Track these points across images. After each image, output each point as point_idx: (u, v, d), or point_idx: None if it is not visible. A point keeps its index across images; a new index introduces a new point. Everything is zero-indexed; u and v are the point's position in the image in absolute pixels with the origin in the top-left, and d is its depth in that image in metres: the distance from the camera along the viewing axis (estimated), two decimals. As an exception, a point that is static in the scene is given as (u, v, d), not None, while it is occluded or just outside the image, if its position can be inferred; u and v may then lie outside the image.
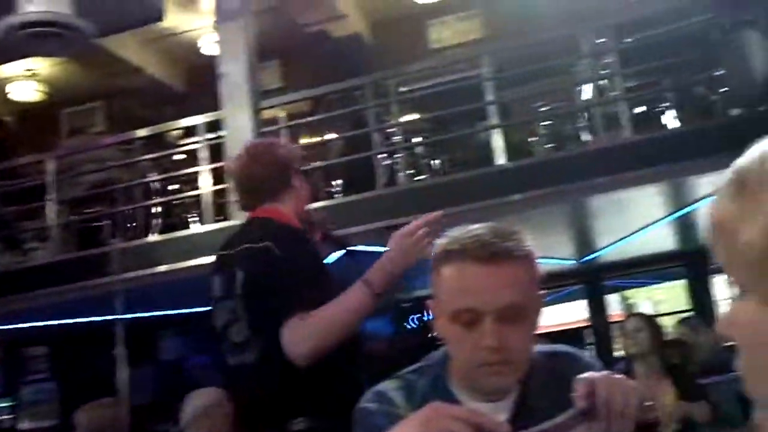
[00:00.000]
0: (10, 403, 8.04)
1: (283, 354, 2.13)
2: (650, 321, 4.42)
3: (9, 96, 8.92)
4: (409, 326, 8.13)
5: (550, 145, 5.81)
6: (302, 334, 2.13)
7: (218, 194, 6.14)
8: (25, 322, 6.55)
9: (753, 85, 4.50)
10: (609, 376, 1.21)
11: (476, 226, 1.37)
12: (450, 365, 1.42)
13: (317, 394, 2.19)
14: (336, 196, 6.02)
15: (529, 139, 5.90)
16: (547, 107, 5.96)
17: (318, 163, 6.26)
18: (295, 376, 2.15)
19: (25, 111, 9.49)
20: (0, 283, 6.24)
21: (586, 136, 5.64)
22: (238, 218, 5.74)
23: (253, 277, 2.25)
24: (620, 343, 5.15)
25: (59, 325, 7.00)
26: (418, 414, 1.17)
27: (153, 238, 6.17)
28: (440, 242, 1.39)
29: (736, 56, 4.73)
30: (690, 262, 7.78)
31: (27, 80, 8.81)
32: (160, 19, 6.72)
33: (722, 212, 0.66)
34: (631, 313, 5.20)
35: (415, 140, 6.18)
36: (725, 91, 5.29)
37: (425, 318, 7.90)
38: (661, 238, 7.09)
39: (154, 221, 6.42)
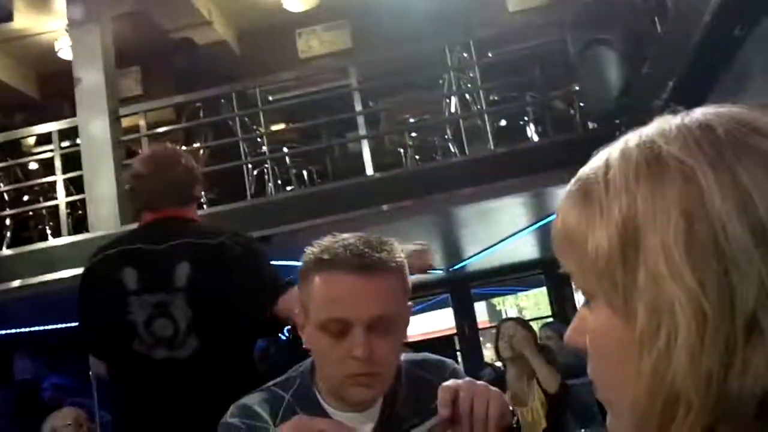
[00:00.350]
0: None
1: (231, 350, 2.25)
2: (524, 325, 4.56)
3: None
4: (280, 338, 8.02)
5: (417, 157, 5.90)
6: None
7: (74, 205, 5.87)
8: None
9: (608, 99, 4.73)
10: (472, 382, 1.22)
11: (348, 235, 1.36)
12: (317, 376, 1.40)
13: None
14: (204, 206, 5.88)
15: (399, 150, 5.97)
16: (415, 119, 6.05)
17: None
18: (241, 374, 2.17)
19: None
20: None
21: (453, 148, 5.76)
22: (99, 230, 5.54)
23: (202, 275, 2.27)
24: (491, 349, 5.30)
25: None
26: (284, 427, 1.15)
27: (4, 251, 5.82)
28: (311, 250, 1.36)
29: (591, 73, 4.96)
30: (549, 269, 8.09)
31: None
32: (10, 19, 6.36)
33: (569, 221, 0.66)
34: (506, 318, 5.37)
35: (283, 150, 6.12)
36: (582, 105, 5.55)
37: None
38: (524, 247, 7.34)
39: (6, 234, 6.05)
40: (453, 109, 6.02)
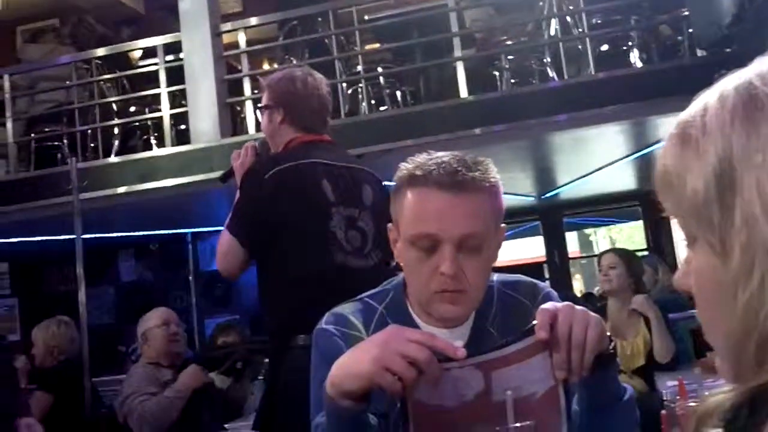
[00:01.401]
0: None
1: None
2: (626, 258, 4.26)
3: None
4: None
5: (513, 81, 5.79)
6: None
7: (177, 117, 6.05)
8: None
9: (718, 26, 4.51)
10: (571, 306, 1.21)
11: (443, 153, 1.37)
12: (408, 290, 1.43)
13: None
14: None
15: (494, 72, 5.87)
16: (512, 41, 5.91)
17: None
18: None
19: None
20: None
21: (551, 72, 5.62)
22: (199, 142, 5.71)
23: (379, 198, 2.51)
24: (580, 280, 5.17)
25: (20, 242, 6.93)
26: (376, 336, 1.18)
27: (112, 159, 6.08)
28: (405, 166, 1.38)
29: (702, -3, 4.72)
30: (647, 201, 7.91)
31: (-20, -6, 8.49)
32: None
33: (668, 164, 0.67)
34: (608, 249, 5.06)
35: (378, 70, 6.11)
36: (691, 32, 5.30)
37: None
38: (621, 178, 7.18)
39: (114, 142, 6.31)
40: (552, 32, 5.85)
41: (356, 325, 1.41)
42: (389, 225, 1.43)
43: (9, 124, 6.34)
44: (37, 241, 6.89)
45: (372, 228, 2.53)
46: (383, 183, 2.61)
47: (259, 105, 2.77)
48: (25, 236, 6.85)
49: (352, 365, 1.15)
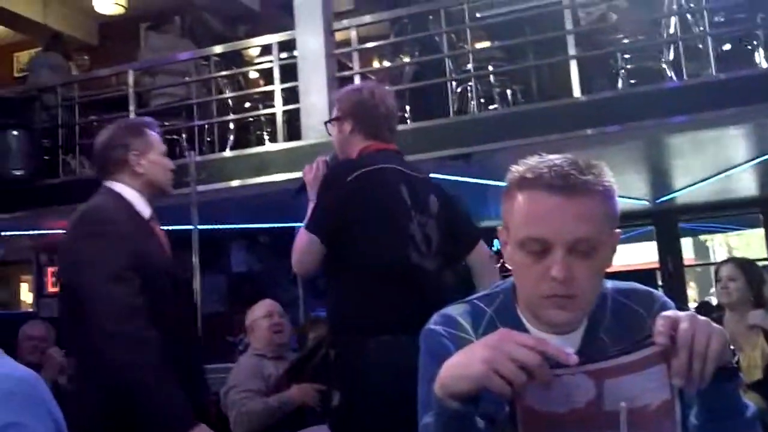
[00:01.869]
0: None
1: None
2: (747, 269, 4.06)
3: (94, 8, 9.07)
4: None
5: (632, 81, 5.62)
6: None
7: (289, 114, 6.18)
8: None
9: None
10: (693, 315, 1.17)
11: (555, 156, 1.35)
12: (517, 294, 1.42)
13: None
14: (407, 121, 5.99)
15: (610, 71, 5.72)
16: (629, 40, 5.74)
17: (389, 88, 6.22)
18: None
19: (107, 24, 9.68)
20: (83, 190, 6.48)
21: (669, 72, 5.43)
22: (310, 138, 5.83)
23: (444, 211, 2.72)
24: (695, 288, 4.97)
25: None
26: (487, 339, 1.17)
27: (227, 153, 6.28)
28: (516, 168, 1.36)
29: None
30: (769, 208, 7.57)
31: (107, -7, 8.93)
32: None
33: None
34: (727, 258, 4.79)
35: (488, 68, 6.06)
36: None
37: (492, 248, 7.88)
38: (742, 183, 6.89)
39: (229, 137, 6.52)
40: (672, 30, 5.65)
41: (465, 327, 1.40)
42: (498, 227, 1.42)
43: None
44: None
45: (436, 235, 2.68)
46: (447, 192, 2.80)
47: (332, 116, 2.86)
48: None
49: (462, 367, 1.15)
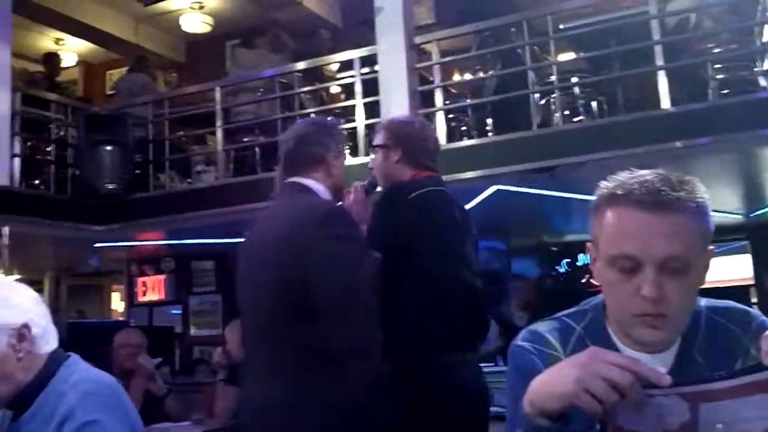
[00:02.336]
0: (180, 312, 8.66)
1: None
2: None
3: (182, 27, 9.39)
4: (557, 270, 8.03)
5: (723, 91, 5.44)
6: None
7: (371, 128, 6.23)
8: (195, 239, 7.00)
9: None
10: None
11: (646, 171, 1.32)
12: (607, 312, 1.39)
13: None
14: (488, 134, 5.97)
15: (700, 82, 5.55)
16: (721, 49, 5.57)
17: (470, 101, 6.21)
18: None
19: (194, 42, 10.00)
20: (172, 203, 6.71)
21: (765, 82, 5.23)
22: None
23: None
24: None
25: (224, 243, 7.44)
26: (577, 357, 1.15)
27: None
28: (605, 184, 1.34)
29: None
30: None
31: (195, 12, 9.21)
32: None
33: None
34: None
35: (572, 80, 5.98)
36: None
37: (577, 263, 7.76)
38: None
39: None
40: (765, 39, 5.46)
41: (553, 344, 1.39)
42: (588, 244, 1.40)
43: (219, 134, 6.82)
44: (239, 242, 7.31)
45: (474, 255, 2.86)
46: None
47: (374, 144, 2.96)
48: (230, 237, 7.32)
49: (552, 385, 1.14)
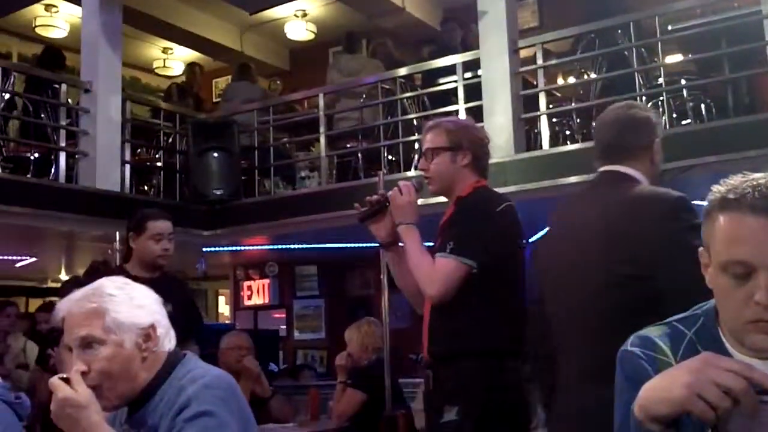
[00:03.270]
0: (284, 315, 8.87)
1: None
2: None
3: (287, 35, 9.62)
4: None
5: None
6: None
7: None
8: (298, 244, 7.14)
9: None
10: None
11: (760, 174, 1.30)
12: (720, 318, 1.37)
13: None
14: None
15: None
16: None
17: (575, 105, 6.14)
18: None
19: (298, 50, 10.23)
20: (277, 209, 6.89)
21: None
22: (495, 157, 5.78)
23: None
24: None
25: (326, 248, 7.57)
26: (689, 363, 1.15)
27: (410, 173, 6.41)
28: (717, 189, 1.33)
29: None
30: None
31: (299, 20, 9.43)
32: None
33: None
34: None
35: (681, 82, 5.82)
36: None
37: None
38: None
39: (414, 156, 6.67)
40: None
41: (663, 350, 1.37)
42: (700, 249, 1.39)
43: (322, 140, 6.96)
44: (341, 247, 7.46)
45: None
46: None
47: (440, 145, 2.84)
48: (333, 242, 7.46)
49: (663, 390, 1.14)
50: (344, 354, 4.93)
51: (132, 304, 1.84)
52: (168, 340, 1.89)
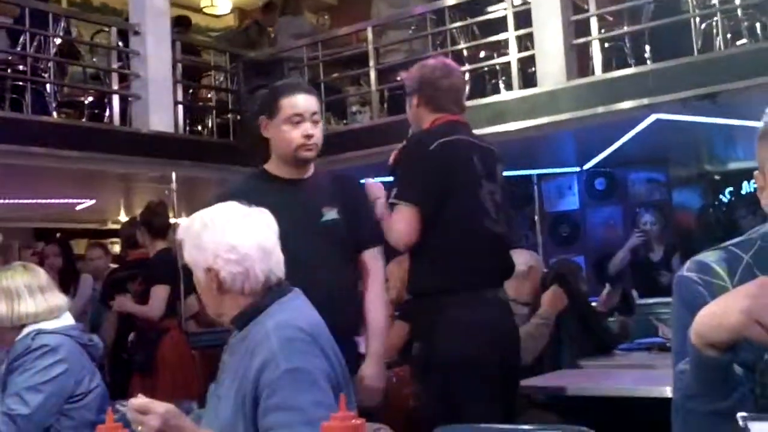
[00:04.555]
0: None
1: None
2: None
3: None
4: (720, 200, 7.69)
5: None
6: None
7: (524, 61, 6.14)
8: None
9: None
10: None
11: None
12: None
13: None
14: (647, 62, 5.74)
15: None
16: None
17: (627, 29, 5.98)
18: None
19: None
20: (329, 144, 6.88)
21: None
22: (546, 85, 5.78)
23: (503, 175, 2.99)
24: None
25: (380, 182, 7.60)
26: (745, 287, 1.16)
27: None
28: None
29: None
30: None
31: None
32: None
33: None
34: None
35: (736, 1, 5.61)
36: None
37: (741, 192, 7.41)
38: None
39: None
40: None
41: (720, 274, 1.37)
42: (755, 172, 1.38)
43: (372, 74, 6.92)
44: (392, 181, 7.46)
45: (502, 202, 2.90)
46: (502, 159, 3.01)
47: (406, 93, 3.04)
48: (385, 176, 7.47)
49: (720, 317, 1.15)
50: (388, 288, 5.04)
51: (234, 228, 1.90)
52: (270, 270, 1.91)
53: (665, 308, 4.85)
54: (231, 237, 1.87)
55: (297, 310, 1.92)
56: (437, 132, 2.85)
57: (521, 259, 4.07)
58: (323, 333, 1.90)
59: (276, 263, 1.92)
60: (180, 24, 8.38)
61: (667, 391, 2.45)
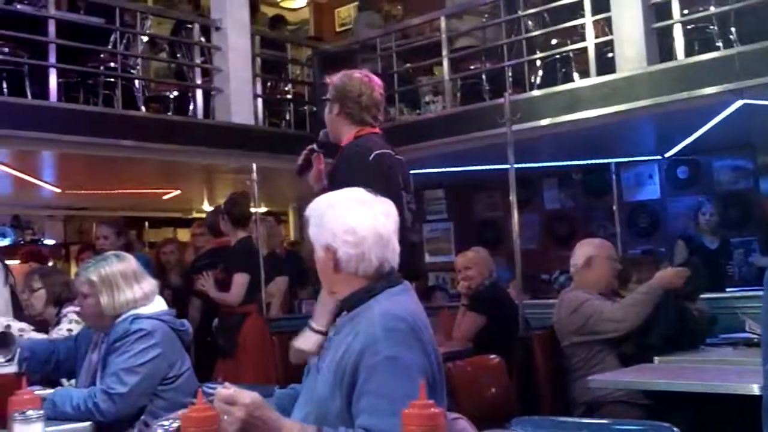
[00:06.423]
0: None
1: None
2: None
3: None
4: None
5: None
6: None
7: (600, 47, 6.02)
8: (424, 168, 7.20)
9: None
10: None
11: None
12: None
13: None
14: (732, 45, 5.55)
15: None
16: None
17: (713, 10, 5.79)
18: None
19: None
20: (402, 134, 6.93)
21: None
22: (625, 70, 5.64)
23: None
24: None
25: (453, 171, 7.60)
26: None
27: (536, 92, 6.28)
28: None
29: None
30: None
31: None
32: None
33: None
34: None
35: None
36: None
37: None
38: None
39: (537, 75, 6.52)
40: None
41: None
42: None
43: (445, 63, 6.89)
44: (468, 170, 7.46)
45: (416, 211, 3.09)
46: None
47: (326, 96, 3.14)
48: (459, 165, 7.46)
49: None
50: (464, 283, 5.07)
51: (354, 212, 1.98)
52: (383, 258, 1.96)
53: (753, 302, 4.67)
54: (351, 219, 1.95)
55: (404, 303, 1.97)
56: (368, 144, 2.98)
57: (579, 252, 4.11)
58: (425, 329, 1.94)
59: (391, 252, 1.99)
60: (276, 22, 8.60)
61: (755, 389, 2.38)
